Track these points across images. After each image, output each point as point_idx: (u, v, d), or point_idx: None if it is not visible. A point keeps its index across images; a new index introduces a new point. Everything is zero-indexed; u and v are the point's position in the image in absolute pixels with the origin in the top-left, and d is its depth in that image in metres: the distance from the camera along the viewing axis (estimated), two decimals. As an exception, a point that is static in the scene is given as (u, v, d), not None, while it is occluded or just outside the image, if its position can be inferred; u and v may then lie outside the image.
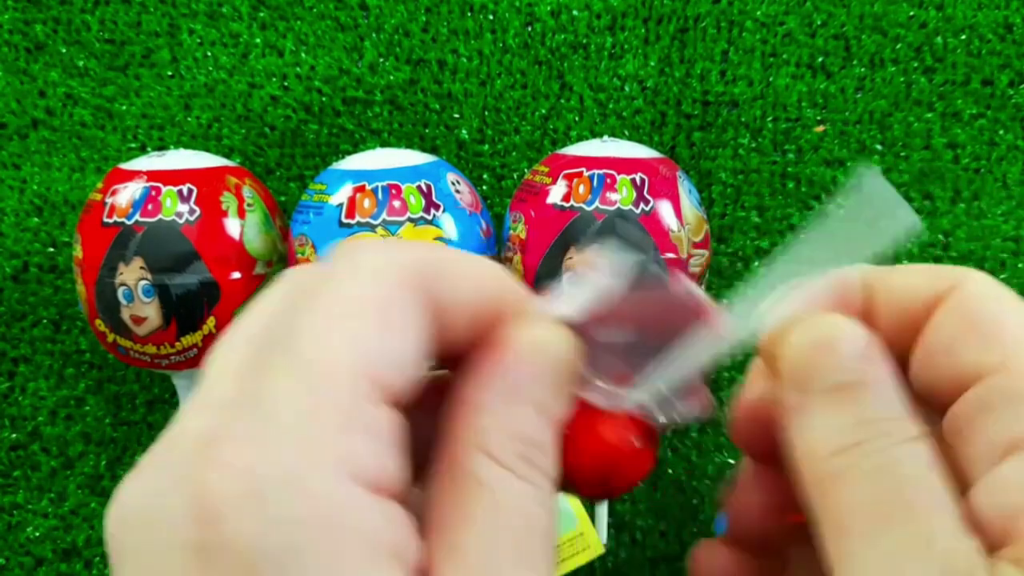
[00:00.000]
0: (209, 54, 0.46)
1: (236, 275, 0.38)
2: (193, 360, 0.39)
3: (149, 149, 0.46)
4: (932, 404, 0.18)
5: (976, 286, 0.18)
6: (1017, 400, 0.16)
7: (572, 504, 0.41)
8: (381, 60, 0.46)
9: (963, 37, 0.44)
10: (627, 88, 0.45)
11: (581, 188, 0.37)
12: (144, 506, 0.14)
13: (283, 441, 0.13)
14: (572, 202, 0.37)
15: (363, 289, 0.15)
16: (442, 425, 0.16)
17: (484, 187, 0.45)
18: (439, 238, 0.37)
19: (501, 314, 0.17)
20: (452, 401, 0.17)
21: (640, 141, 0.44)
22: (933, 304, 0.19)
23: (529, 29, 0.46)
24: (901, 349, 0.19)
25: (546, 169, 0.39)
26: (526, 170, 0.45)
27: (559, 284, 0.18)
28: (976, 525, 0.16)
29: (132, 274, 0.37)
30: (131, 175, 0.38)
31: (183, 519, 0.13)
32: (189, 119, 0.46)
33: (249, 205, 0.39)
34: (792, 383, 0.17)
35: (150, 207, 0.37)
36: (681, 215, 0.38)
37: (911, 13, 0.44)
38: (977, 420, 0.17)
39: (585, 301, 0.18)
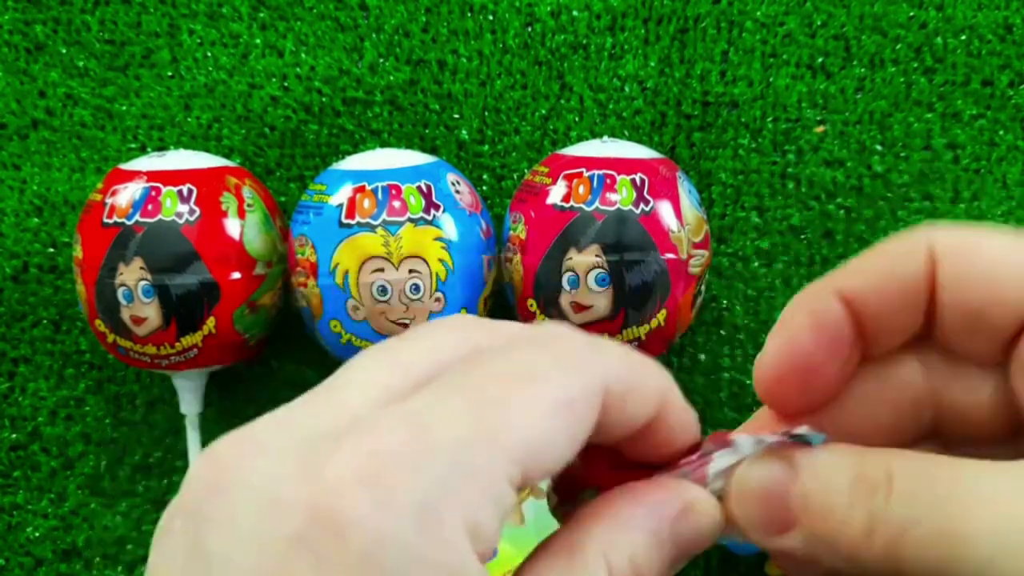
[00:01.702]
0: (209, 54, 0.46)
1: (236, 275, 0.38)
2: (193, 360, 0.39)
3: (149, 149, 0.46)
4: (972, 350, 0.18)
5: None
6: None
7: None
8: (381, 60, 0.46)
9: (963, 37, 0.44)
10: (627, 88, 0.45)
11: (581, 188, 0.37)
12: (262, 488, 0.13)
13: (434, 474, 0.13)
14: (572, 202, 0.37)
15: (565, 384, 0.15)
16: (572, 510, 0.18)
17: (484, 187, 0.45)
18: (439, 238, 0.37)
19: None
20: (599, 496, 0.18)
21: (640, 141, 0.44)
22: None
23: (529, 29, 0.46)
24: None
25: (546, 169, 0.39)
26: (526, 170, 0.45)
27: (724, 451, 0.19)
28: None
29: (132, 274, 0.37)
30: (131, 175, 0.38)
31: (302, 513, 0.12)
32: (189, 119, 0.46)
33: (249, 205, 0.39)
34: (777, 536, 0.18)
35: (150, 207, 0.37)
36: (681, 215, 0.38)
37: (911, 13, 0.44)
38: None
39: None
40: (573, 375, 0.15)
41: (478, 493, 0.13)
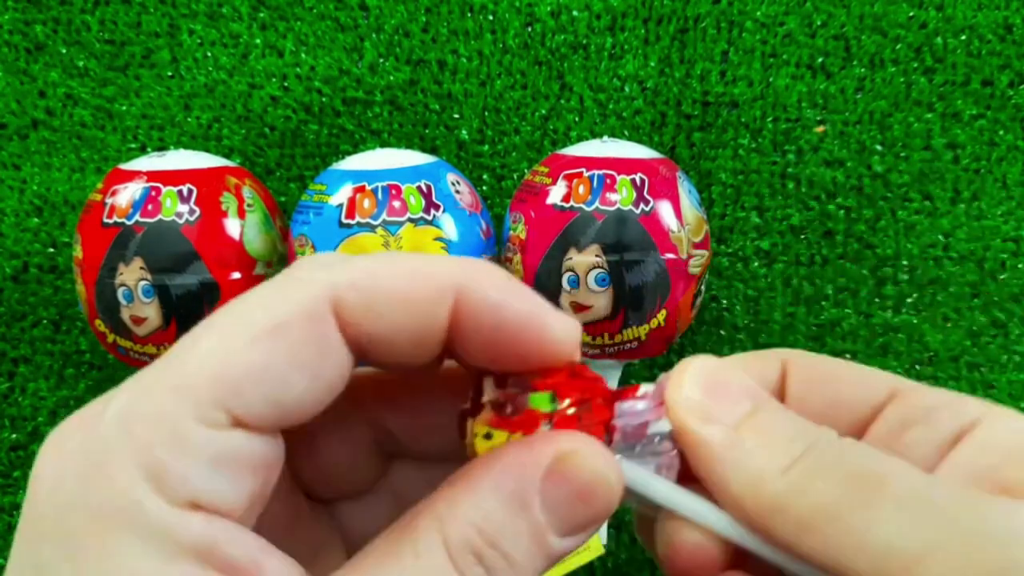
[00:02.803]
0: (209, 54, 0.46)
1: (236, 275, 0.38)
2: (193, 360, 0.39)
3: (149, 149, 0.46)
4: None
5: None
6: (937, 408, 0.18)
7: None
8: (381, 60, 0.46)
9: (963, 37, 0.44)
10: (627, 88, 0.45)
11: (581, 188, 0.37)
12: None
13: (106, 438, 0.14)
14: (572, 202, 0.37)
15: (264, 312, 0.15)
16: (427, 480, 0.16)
17: (484, 187, 0.45)
18: (439, 238, 0.37)
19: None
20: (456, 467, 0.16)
21: (640, 141, 0.44)
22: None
23: (529, 29, 0.46)
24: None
25: (546, 169, 0.39)
26: (526, 170, 0.45)
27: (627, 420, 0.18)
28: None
29: (132, 274, 0.37)
30: (131, 175, 0.38)
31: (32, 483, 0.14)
32: (189, 119, 0.46)
33: (249, 205, 0.39)
34: (701, 423, 0.17)
35: (150, 207, 0.37)
36: (681, 215, 0.38)
37: (911, 13, 0.44)
38: (906, 433, 0.18)
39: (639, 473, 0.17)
40: (281, 295, 0.15)
41: (151, 440, 0.14)
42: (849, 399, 0.19)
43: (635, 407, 0.18)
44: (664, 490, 0.17)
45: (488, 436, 0.16)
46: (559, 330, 0.16)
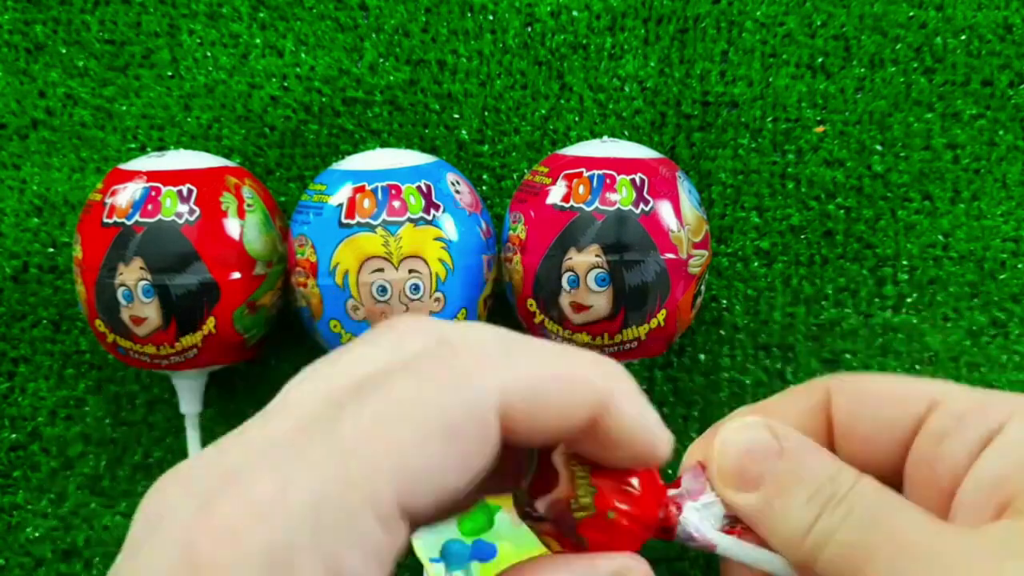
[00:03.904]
0: (209, 54, 0.46)
1: (236, 275, 0.38)
2: (193, 360, 0.39)
3: (149, 149, 0.46)
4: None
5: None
6: (966, 415, 0.19)
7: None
8: (381, 60, 0.46)
9: (963, 37, 0.44)
10: (627, 88, 0.45)
11: (581, 188, 0.37)
12: (152, 514, 0.15)
13: (292, 531, 0.13)
14: (572, 202, 0.37)
15: (442, 406, 0.15)
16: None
17: (484, 187, 0.45)
18: (439, 238, 0.37)
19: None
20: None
21: (640, 141, 0.44)
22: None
23: (529, 29, 0.46)
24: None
25: (546, 169, 0.39)
26: (526, 170, 0.45)
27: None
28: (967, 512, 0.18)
29: (132, 274, 0.37)
30: (131, 175, 0.38)
31: (180, 554, 0.13)
32: (189, 119, 0.46)
33: (249, 205, 0.39)
34: (736, 493, 0.20)
35: (150, 207, 0.37)
36: (681, 215, 0.38)
37: (911, 13, 0.44)
38: (940, 446, 0.19)
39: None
40: (459, 397, 0.15)
41: (337, 538, 0.14)
42: (891, 418, 0.21)
43: (686, 488, 0.21)
44: (725, 543, 0.21)
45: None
46: (664, 450, 0.18)
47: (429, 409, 0.15)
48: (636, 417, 0.17)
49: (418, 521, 0.15)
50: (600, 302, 0.37)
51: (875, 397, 0.21)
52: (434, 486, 0.15)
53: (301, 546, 0.13)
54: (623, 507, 0.19)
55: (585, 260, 0.37)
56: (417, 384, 0.15)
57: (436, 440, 0.14)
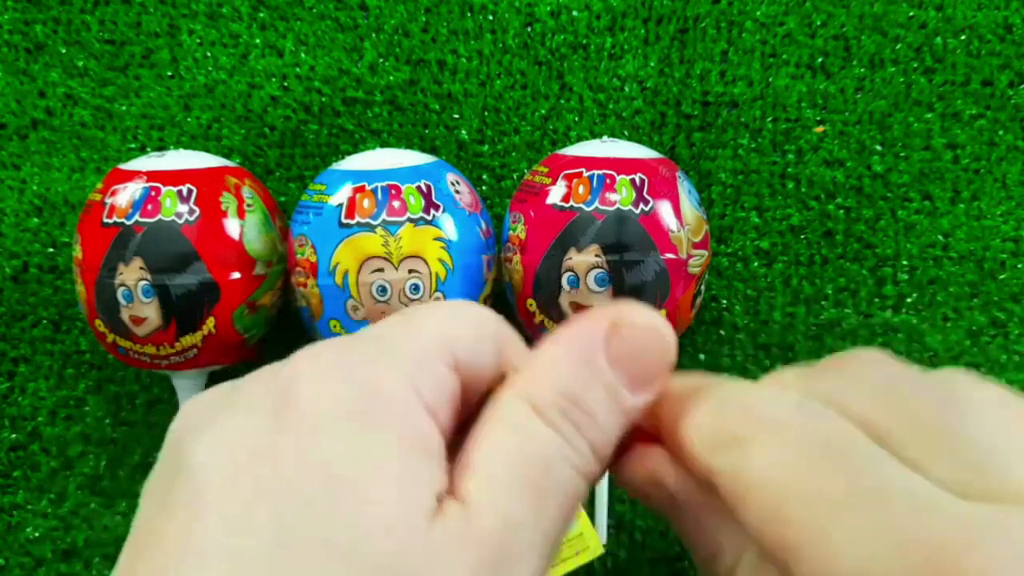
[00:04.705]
0: (209, 54, 0.46)
1: (236, 275, 0.38)
2: (193, 360, 0.39)
3: (149, 149, 0.46)
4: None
5: None
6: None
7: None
8: (381, 60, 0.46)
9: (963, 37, 0.44)
10: (627, 88, 0.45)
11: (581, 188, 0.37)
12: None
13: (373, 355, 0.17)
14: (572, 202, 0.37)
15: (460, 306, 0.19)
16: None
17: (484, 187, 0.45)
18: (439, 238, 0.37)
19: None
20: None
21: (640, 141, 0.44)
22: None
23: (529, 29, 0.46)
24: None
25: (546, 169, 0.39)
26: (526, 170, 0.45)
27: None
28: None
29: (132, 274, 0.37)
30: (131, 175, 0.38)
31: (265, 394, 0.17)
32: (189, 119, 0.46)
33: (249, 205, 0.39)
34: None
35: (150, 207, 0.37)
36: (681, 215, 0.38)
37: (911, 13, 0.44)
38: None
39: None
40: (468, 304, 0.19)
41: (412, 359, 0.17)
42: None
43: None
44: None
45: None
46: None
47: (455, 306, 0.19)
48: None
49: (467, 376, 0.18)
50: (600, 302, 0.37)
51: None
52: (470, 348, 0.18)
53: (383, 363, 0.17)
54: None
55: (585, 260, 0.37)
56: (439, 304, 0.20)
57: (468, 323, 0.18)
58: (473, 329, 0.18)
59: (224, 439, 0.16)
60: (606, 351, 0.17)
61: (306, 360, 0.17)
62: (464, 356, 0.18)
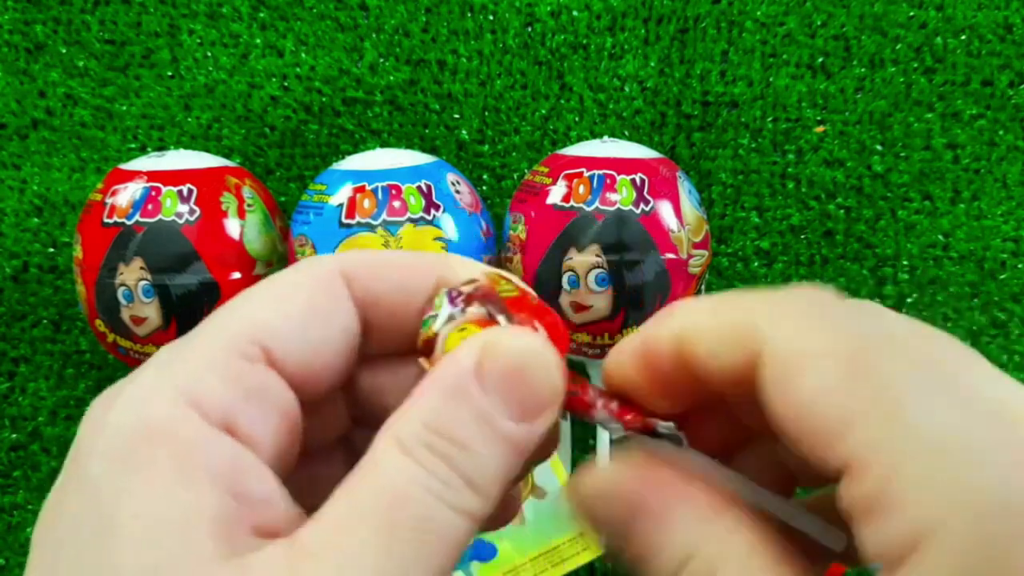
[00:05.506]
0: (209, 54, 0.46)
1: (236, 275, 0.38)
2: (193, 360, 0.39)
3: (149, 149, 0.46)
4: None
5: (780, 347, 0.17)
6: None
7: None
8: (381, 60, 0.46)
9: (963, 37, 0.44)
10: (627, 88, 0.45)
11: (581, 188, 0.37)
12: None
13: (149, 375, 0.16)
14: (572, 202, 0.37)
15: (287, 278, 0.17)
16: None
17: (484, 187, 0.45)
18: (439, 238, 0.37)
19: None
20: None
21: (640, 141, 0.44)
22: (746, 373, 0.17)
23: (529, 29, 0.46)
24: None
25: (546, 169, 0.39)
26: (526, 170, 0.45)
27: None
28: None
29: (132, 274, 0.37)
30: (131, 175, 0.38)
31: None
32: (189, 119, 0.46)
33: (249, 205, 0.39)
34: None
35: (150, 207, 0.37)
36: (681, 215, 0.38)
37: (911, 13, 0.44)
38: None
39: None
40: (301, 270, 0.18)
41: (195, 365, 0.16)
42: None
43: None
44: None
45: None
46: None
47: (275, 280, 0.17)
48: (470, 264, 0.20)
49: (292, 369, 0.17)
50: (600, 302, 0.37)
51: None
52: (291, 328, 0.17)
53: (156, 380, 0.16)
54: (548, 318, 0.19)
55: (585, 260, 0.37)
56: (274, 275, 0.18)
57: (286, 295, 0.17)
58: (301, 306, 0.17)
59: (52, 496, 0.16)
60: (477, 378, 0.16)
61: (96, 403, 0.16)
62: (285, 344, 0.16)
